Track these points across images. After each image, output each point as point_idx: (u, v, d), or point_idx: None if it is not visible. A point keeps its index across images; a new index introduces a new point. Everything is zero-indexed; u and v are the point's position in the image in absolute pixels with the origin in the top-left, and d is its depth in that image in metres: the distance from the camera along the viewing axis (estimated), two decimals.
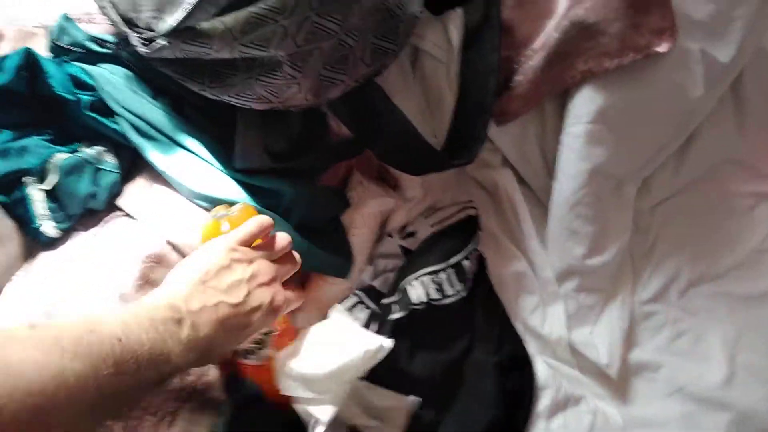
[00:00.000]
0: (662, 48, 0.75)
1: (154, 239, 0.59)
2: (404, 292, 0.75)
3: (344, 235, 0.74)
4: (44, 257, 0.59)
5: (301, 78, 0.63)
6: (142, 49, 0.58)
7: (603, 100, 0.76)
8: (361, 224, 0.77)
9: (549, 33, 0.76)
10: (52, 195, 0.58)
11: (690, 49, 0.77)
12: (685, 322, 0.87)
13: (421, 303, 0.75)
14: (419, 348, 0.75)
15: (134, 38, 0.60)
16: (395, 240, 0.80)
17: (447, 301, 0.76)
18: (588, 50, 0.75)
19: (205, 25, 0.56)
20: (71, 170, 0.59)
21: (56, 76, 0.61)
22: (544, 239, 0.86)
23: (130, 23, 0.62)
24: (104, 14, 0.66)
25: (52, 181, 0.57)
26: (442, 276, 0.77)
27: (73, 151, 0.61)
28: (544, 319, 0.84)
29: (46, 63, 0.62)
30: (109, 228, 0.61)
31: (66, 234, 0.60)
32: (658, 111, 0.80)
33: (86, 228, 0.61)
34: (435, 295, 0.76)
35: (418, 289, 0.76)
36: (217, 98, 0.63)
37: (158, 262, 0.58)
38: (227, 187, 0.63)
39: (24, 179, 0.57)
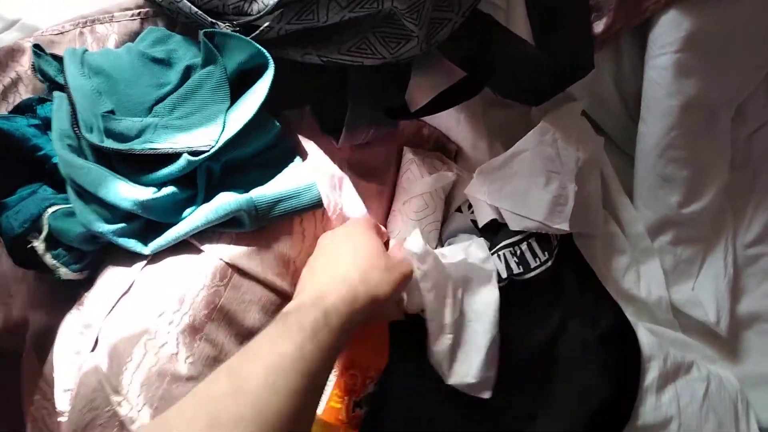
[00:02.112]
0: None
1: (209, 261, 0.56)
2: None
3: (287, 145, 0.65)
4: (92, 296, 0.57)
5: (419, 30, 0.60)
6: None
7: (691, 24, 0.69)
8: (421, 206, 0.72)
9: None
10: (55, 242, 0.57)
11: None
12: None
13: (502, 280, 0.70)
14: (506, 330, 0.70)
15: (224, 28, 0.58)
16: (466, 215, 0.75)
17: (531, 274, 0.71)
18: None
19: None
20: (64, 217, 0.56)
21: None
22: (630, 191, 0.80)
23: (214, 13, 0.59)
24: (173, 9, 0.63)
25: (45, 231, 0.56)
26: (523, 247, 0.72)
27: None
28: (638, 280, 0.79)
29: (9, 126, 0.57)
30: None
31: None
32: (752, 28, 0.73)
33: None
34: (517, 269, 0.71)
35: (498, 265, 0.71)
36: (324, 61, 0.61)
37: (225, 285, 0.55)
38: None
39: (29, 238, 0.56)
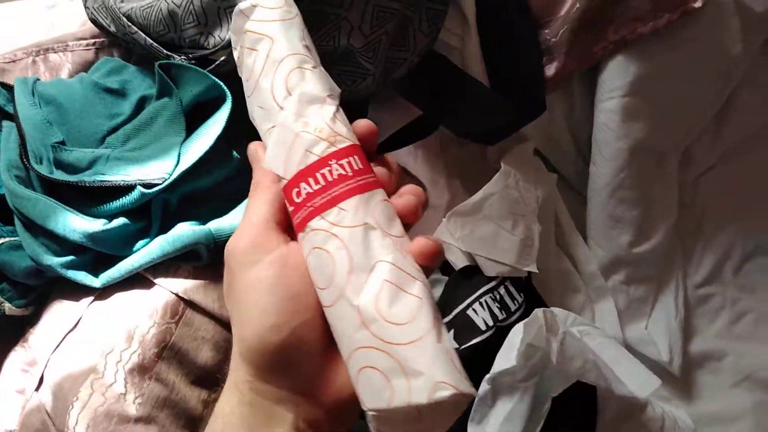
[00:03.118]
0: (698, 3, 0.72)
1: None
2: (465, 320, 0.70)
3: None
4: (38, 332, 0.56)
5: (374, 68, 0.63)
6: None
7: (637, 69, 0.74)
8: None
9: (571, 4, 0.73)
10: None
11: (724, 1, 0.75)
12: (745, 302, 0.87)
13: (489, 328, 0.70)
14: None
15: (180, 61, 0.60)
16: None
17: (513, 318, 0.72)
18: (618, 17, 0.72)
19: None
20: (10, 250, 0.56)
21: None
22: (583, 230, 0.84)
23: (170, 45, 0.61)
24: (129, 41, 0.64)
25: None
26: (502, 291, 0.73)
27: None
28: (593, 319, 0.82)
29: None
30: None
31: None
32: (697, 74, 0.78)
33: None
34: (501, 314, 0.71)
35: (482, 313, 0.71)
36: None
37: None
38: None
39: None
